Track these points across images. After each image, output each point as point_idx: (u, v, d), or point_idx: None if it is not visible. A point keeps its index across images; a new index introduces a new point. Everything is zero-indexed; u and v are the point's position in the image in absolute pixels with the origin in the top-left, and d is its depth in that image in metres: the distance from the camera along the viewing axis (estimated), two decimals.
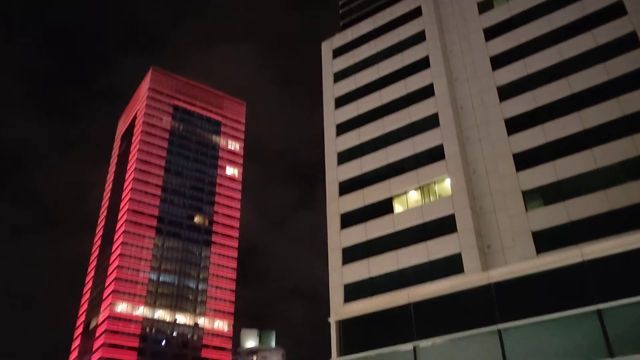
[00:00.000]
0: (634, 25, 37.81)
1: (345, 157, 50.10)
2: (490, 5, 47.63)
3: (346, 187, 48.42)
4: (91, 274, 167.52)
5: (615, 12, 39.33)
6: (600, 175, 34.09)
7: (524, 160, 37.75)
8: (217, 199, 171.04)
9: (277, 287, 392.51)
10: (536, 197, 35.86)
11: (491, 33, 46.00)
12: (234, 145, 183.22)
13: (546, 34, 42.51)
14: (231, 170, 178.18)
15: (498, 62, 44.20)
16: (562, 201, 33.91)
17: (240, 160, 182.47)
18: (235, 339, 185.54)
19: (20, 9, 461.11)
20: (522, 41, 43.63)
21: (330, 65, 56.18)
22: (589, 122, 36.70)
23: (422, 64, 48.60)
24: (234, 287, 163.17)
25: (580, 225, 31.61)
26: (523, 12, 44.79)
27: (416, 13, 51.98)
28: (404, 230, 43.33)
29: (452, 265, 37.46)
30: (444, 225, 40.81)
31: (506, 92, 42.33)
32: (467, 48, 47.22)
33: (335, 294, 44.07)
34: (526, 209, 35.29)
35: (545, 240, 31.99)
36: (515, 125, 40.32)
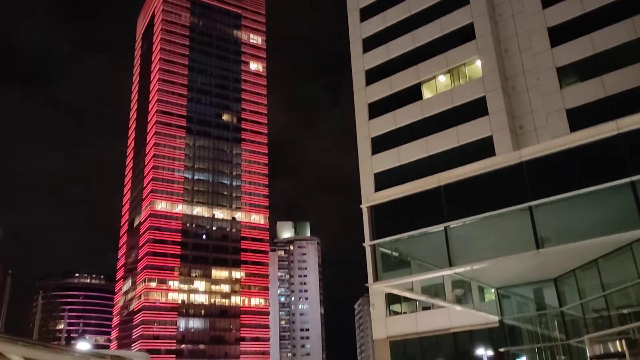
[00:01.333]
0: None
1: (370, 43, 48.50)
2: None
3: (373, 76, 47.40)
4: (129, 175, 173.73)
5: None
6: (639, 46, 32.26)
7: (560, 35, 35.78)
8: (243, 95, 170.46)
9: (310, 181, 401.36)
10: (571, 73, 34.45)
11: None
12: (256, 39, 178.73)
13: None
14: (255, 66, 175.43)
15: None
16: (599, 76, 32.55)
17: (264, 55, 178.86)
18: (272, 230, 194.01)
19: None
20: None
21: None
22: None
23: None
24: (266, 181, 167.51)
25: (617, 100, 30.59)
26: None
27: None
28: (433, 116, 42.88)
29: (482, 148, 37.34)
30: (475, 109, 40.13)
31: None
32: None
33: (366, 183, 44.91)
34: (560, 87, 34.10)
35: (579, 118, 31.24)
36: None
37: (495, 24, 41.11)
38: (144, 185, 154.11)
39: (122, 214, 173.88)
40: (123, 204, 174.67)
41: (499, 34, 40.80)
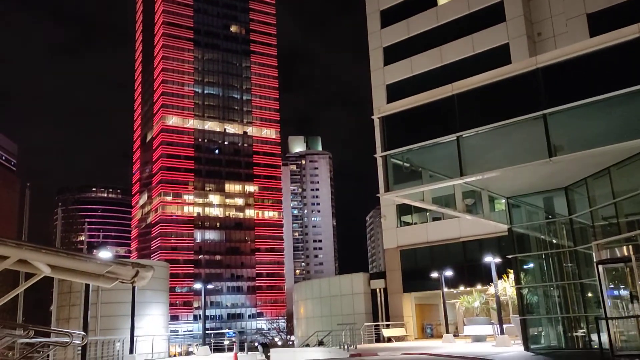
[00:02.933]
0: None
1: None
2: None
3: None
4: (139, 89, 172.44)
5: None
6: None
7: None
8: (251, 4, 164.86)
9: (321, 93, 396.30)
10: None
11: None
12: None
13: None
14: None
15: None
16: None
17: None
18: (284, 145, 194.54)
19: None
20: None
21: None
22: None
23: None
24: (277, 95, 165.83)
25: None
26: None
27: None
28: (447, 24, 41.44)
29: (498, 57, 36.27)
30: (492, 15, 38.63)
31: None
32: None
33: (378, 95, 44.28)
34: None
35: (601, 23, 29.93)
36: None
37: None
38: (154, 100, 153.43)
39: (134, 129, 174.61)
40: (135, 118, 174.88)
41: None
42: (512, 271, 24.20)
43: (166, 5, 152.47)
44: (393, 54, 44.37)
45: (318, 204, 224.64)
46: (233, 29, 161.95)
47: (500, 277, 28.95)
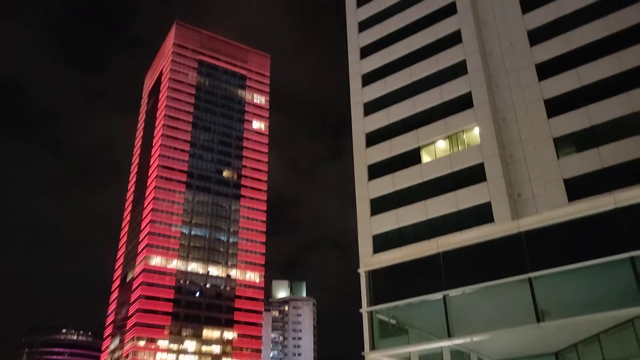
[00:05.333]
0: None
1: (371, 107, 49.51)
2: None
3: (373, 138, 48.09)
4: (126, 228, 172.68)
5: None
6: (635, 120, 32.98)
7: (556, 106, 36.70)
8: (245, 153, 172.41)
9: (308, 237, 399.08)
10: (568, 144, 35.04)
11: None
12: (259, 99, 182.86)
13: None
14: (258, 124, 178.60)
15: (528, 4, 42.31)
16: (595, 147, 33.10)
17: (267, 114, 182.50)
18: (267, 289, 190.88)
19: None
20: None
21: (354, 14, 54.82)
22: (627, 64, 35.13)
23: (450, 10, 46.98)
24: (264, 239, 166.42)
25: (614, 172, 30.94)
26: None
27: None
28: (432, 180, 43.14)
29: (481, 214, 37.38)
30: (473, 175, 40.43)
31: (537, 36, 40.70)
32: None
33: (364, 245, 44.61)
34: (558, 157, 34.60)
35: (577, 188, 31.49)
36: (546, 70, 38.96)
37: (493, 94, 42.15)
38: (140, 240, 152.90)
39: (116, 268, 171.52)
40: (118, 257, 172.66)
41: (496, 104, 41.73)
42: None
43: (163, 150, 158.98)
44: (380, 205, 45.55)
45: (300, 354, 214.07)
46: (225, 173, 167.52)
47: None
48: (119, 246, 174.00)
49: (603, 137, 33.23)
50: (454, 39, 45.48)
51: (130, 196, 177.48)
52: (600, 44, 36.92)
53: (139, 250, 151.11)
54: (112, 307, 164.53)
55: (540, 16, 41.13)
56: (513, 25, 42.52)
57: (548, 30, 40.14)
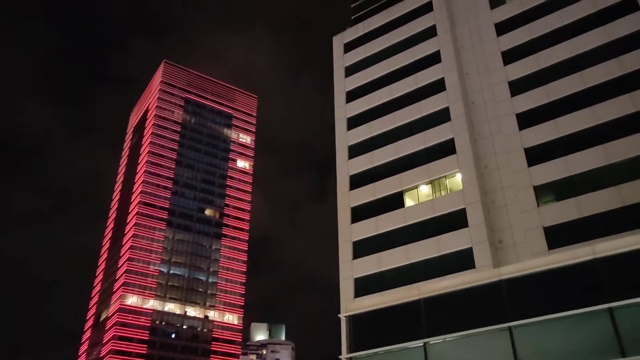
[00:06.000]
0: None
1: (356, 150, 50.04)
2: None
3: (357, 181, 48.40)
4: (102, 265, 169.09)
5: (629, 7, 38.84)
6: (613, 171, 33.80)
7: (536, 155, 37.52)
8: (228, 191, 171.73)
9: (289, 279, 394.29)
10: (548, 192, 35.65)
11: (502, 27, 45.60)
12: (245, 138, 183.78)
13: (558, 29, 42.09)
14: (242, 163, 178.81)
15: (510, 56, 43.83)
16: (574, 197, 33.71)
17: (252, 153, 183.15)
18: (245, 332, 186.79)
19: None
20: (534, 36, 43.23)
21: (341, 59, 56.06)
22: (602, 117, 36.32)
23: (433, 59, 48.34)
24: (244, 279, 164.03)
25: (593, 221, 31.43)
26: (535, 7, 44.37)
27: (427, 7, 51.66)
28: (414, 224, 43.27)
29: (463, 260, 37.44)
30: (455, 220, 40.69)
31: (518, 87, 41.98)
32: (479, 42, 46.87)
33: (346, 288, 44.19)
34: (538, 204, 35.11)
35: (557, 236, 31.85)
36: (527, 120, 40.01)
37: (475, 141, 42.97)
38: (116, 278, 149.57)
39: (90, 306, 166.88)
40: (92, 295, 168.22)
41: (478, 151, 42.49)
42: None
43: (145, 186, 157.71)
44: (362, 248, 45.38)
45: None
46: (207, 212, 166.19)
47: None
48: (94, 284, 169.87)
49: (581, 187, 33.92)
50: (438, 86, 46.65)
51: (108, 233, 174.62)
52: (577, 96, 38.17)
53: (115, 288, 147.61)
54: (84, 347, 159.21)
55: (521, 68, 42.55)
56: (495, 76, 43.81)
57: (528, 82, 41.46)
